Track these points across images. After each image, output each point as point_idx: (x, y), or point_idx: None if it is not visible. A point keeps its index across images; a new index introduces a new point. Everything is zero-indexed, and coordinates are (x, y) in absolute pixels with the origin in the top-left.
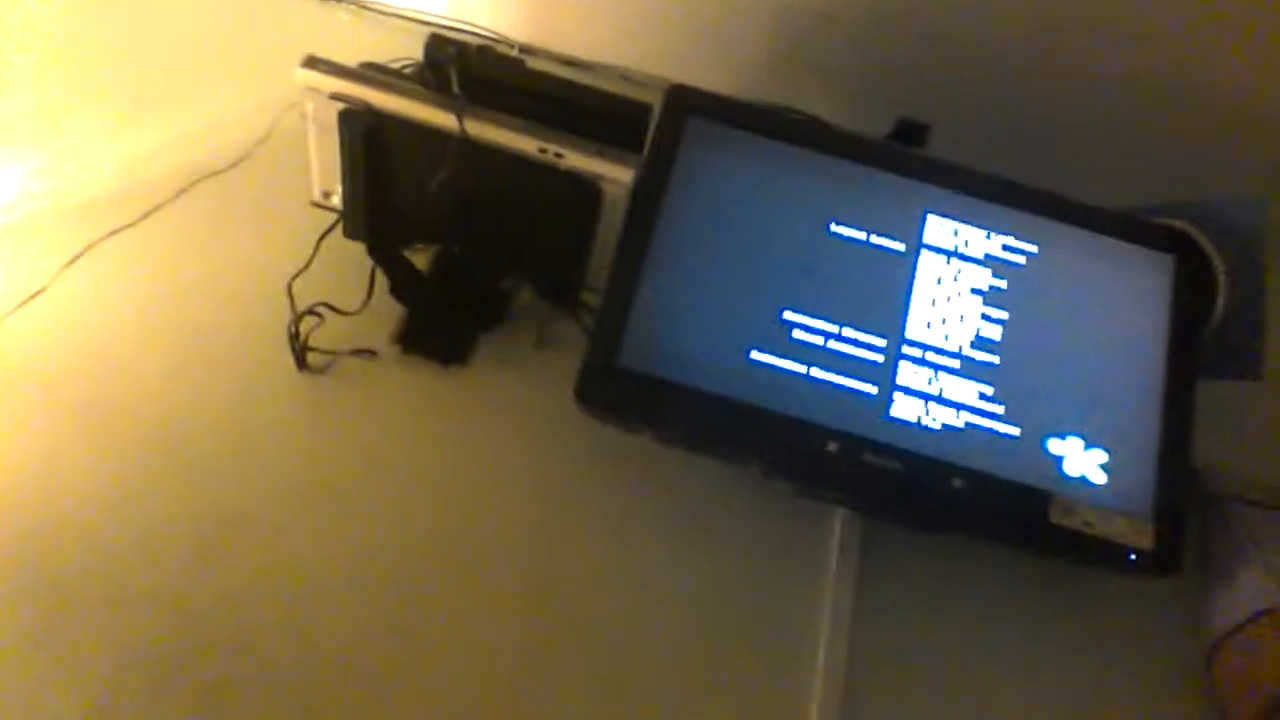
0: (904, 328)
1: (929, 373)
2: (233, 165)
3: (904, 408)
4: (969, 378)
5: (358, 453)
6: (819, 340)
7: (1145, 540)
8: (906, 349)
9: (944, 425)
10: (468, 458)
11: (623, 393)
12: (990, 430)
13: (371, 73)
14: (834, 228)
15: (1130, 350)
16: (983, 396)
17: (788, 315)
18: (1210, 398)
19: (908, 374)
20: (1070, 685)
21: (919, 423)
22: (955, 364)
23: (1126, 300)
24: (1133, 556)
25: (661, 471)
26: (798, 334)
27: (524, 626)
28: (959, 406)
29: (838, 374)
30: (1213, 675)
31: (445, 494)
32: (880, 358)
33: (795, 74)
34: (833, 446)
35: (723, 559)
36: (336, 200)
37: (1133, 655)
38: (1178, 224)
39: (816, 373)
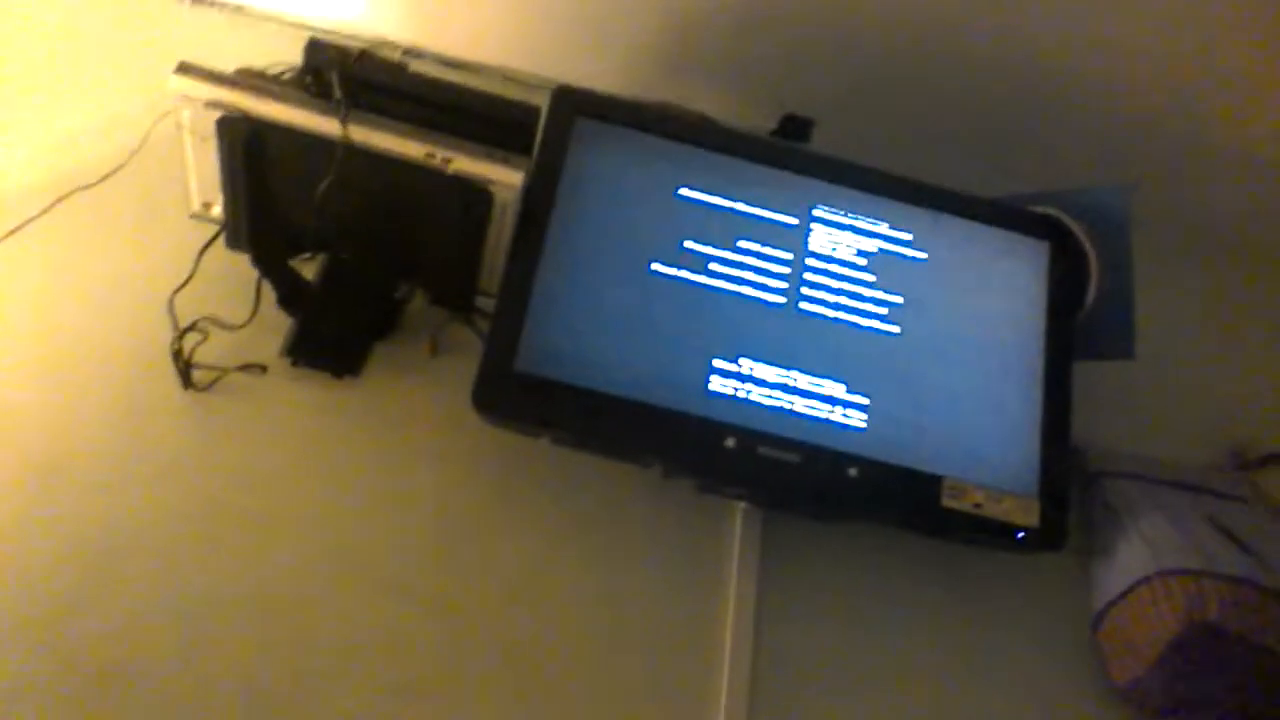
0: (795, 319)
1: (822, 364)
2: (105, 177)
3: (799, 400)
4: (860, 368)
5: (250, 471)
6: (716, 334)
7: (1031, 518)
8: (798, 342)
9: (836, 416)
10: (365, 470)
11: (521, 397)
12: (881, 419)
13: (249, 79)
14: (724, 225)
15: (1010, 335)
16: (873, 386)
17: (682, 314)
18: (1086, 378)
19: (802, 367)
20: (967, 658)
21: (814, 414)
22: (846, 355)
23: (1005, 287)
24: (1020, 534)
25: (562, 474)
26: (691, 330)
27: (429, 638)
28: (850, 393)
29: (733, 371)
30: (1098, 641)
31: (344, 508)
32: (774, 351)
33: (682, 72)
34: (730, 442)
35: (626, 558)
36: (217, 211)
37: (1024, 627)
38: (1051, 212)
39: (714, 367)
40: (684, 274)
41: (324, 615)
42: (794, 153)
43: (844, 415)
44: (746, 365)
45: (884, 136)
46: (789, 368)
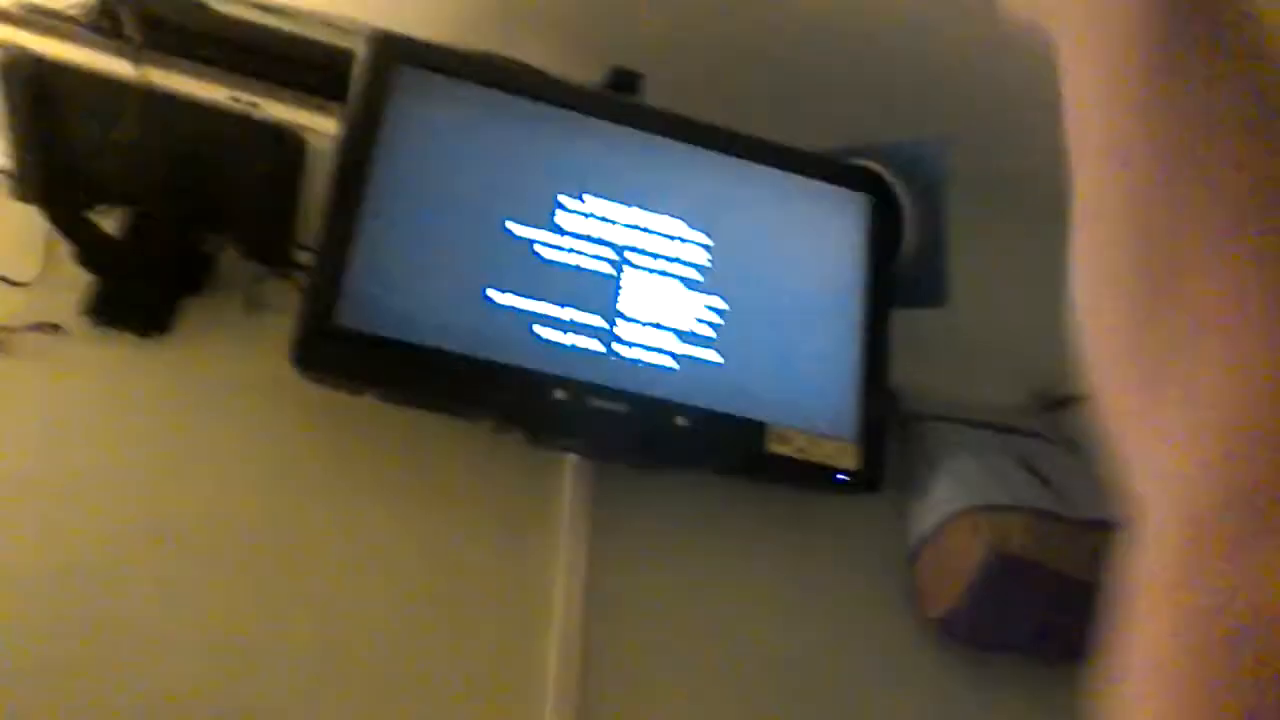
0: (620, 272)
1: (647, 314)
2: None
3: (626, 350)
4: (684, 317)
5: (47, 436)
6: (542, 286)
7: (852, 461)
8: (623, 293)
9: (664, 365)
10: (176, 433)
11: (343, 354)
12: (705, 367)
13: (35, 16)
14: (547, 178)
15: (829, 284)
16: (695, 336)
17: (508, 266)
18: (903, 326)
19: (627, 317)
20: (793, 598)
21: (641, 363)
22: (670, 305)
23: (824, 237)
24: (841, 477)
25: (388, 432)
26: (518, 283)
27: (250, 605)
28: (677, 344)
29: (561, 321)
30: (914, 576)
31: (152, 474)
32: (600, 299)
33: (508, 21)
34: (561, 394)
35: (455, 516)
36: (3, 160)
37: (846, 566)
38: (870, 165)
39: (541, 319)
40: (513, 226)
41: (138, 586)
42: (620, 105)
43: (670, 365)
44: (572, 314)
45: (708, 91)
46: (615, 320)
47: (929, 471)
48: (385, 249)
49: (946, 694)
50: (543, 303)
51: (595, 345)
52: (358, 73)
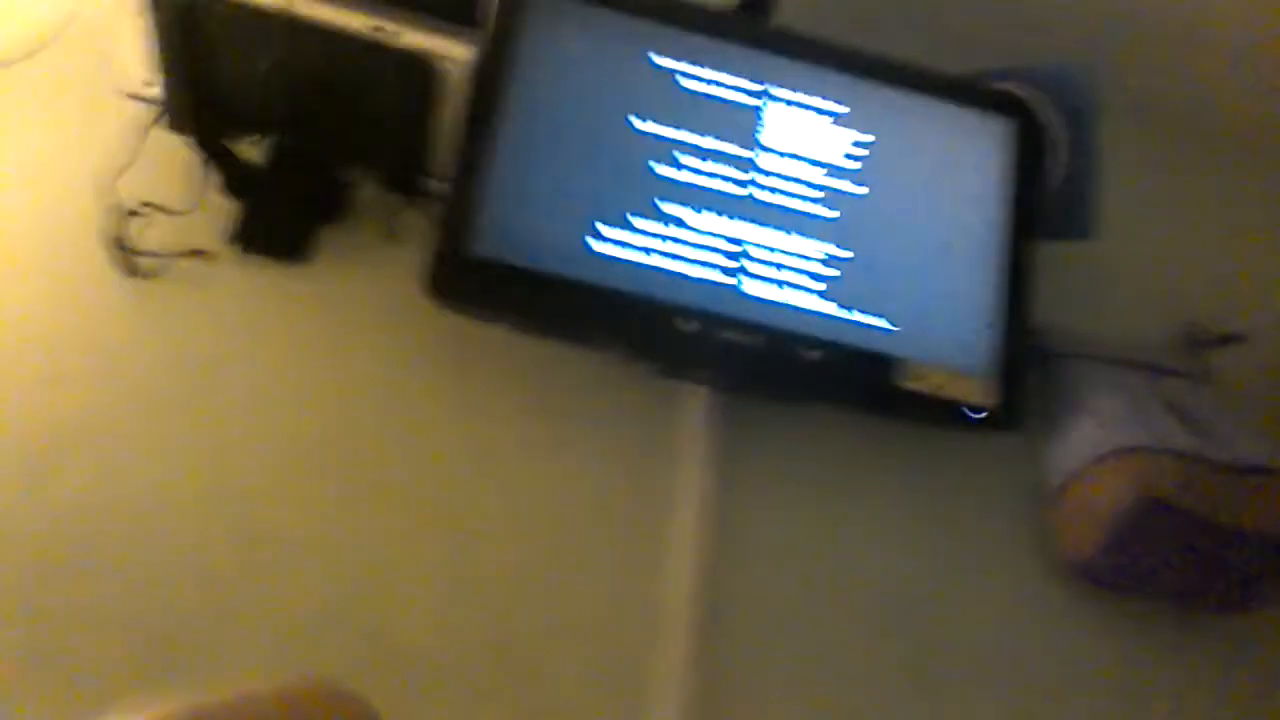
0: (753, 199)
1: (780, 243)
2: (29, 55)
3: (758, 283)
4: (819, 243)
5: (198, 360)
6: (675, 217)
7: (990, 399)
8: (757, 222)
9: (796, 298)
10: (316, 358)
11: (476, 283)
12: (842, 301)
13: None
14: (682, 102)
15: (971, 214)
16: (831, 266)
17: (642, 194)
18: (1044, 258)
19: (760, 248)
20: (925, 539)
21: (773, 297)
22: (804, 234)
23: (967, 165)
24: (978, 415)
25: (521, 361)
26: (652, 213)
27: (380, 527)
28: (810, 276)
29: (693, 251)
30: (1051, 518)
31: (294, 398)
32: (734, 231)
33: None
34: (692, 326)
35: (584, 445)
36: (156, 91)
37: (981, 507)
38: (1014, 89)
39: (672, 250)
40: (648, 160)
41: (274, 506)
42: (755, 28)
43: (804, 298)
44: (703, 241)
45: (840, 11)
46: (744, 252)
47: (1071, 411)
48: (517, 177)
49: (1079, 636)
50: (675, 229)
51: (727, 270)
52: None
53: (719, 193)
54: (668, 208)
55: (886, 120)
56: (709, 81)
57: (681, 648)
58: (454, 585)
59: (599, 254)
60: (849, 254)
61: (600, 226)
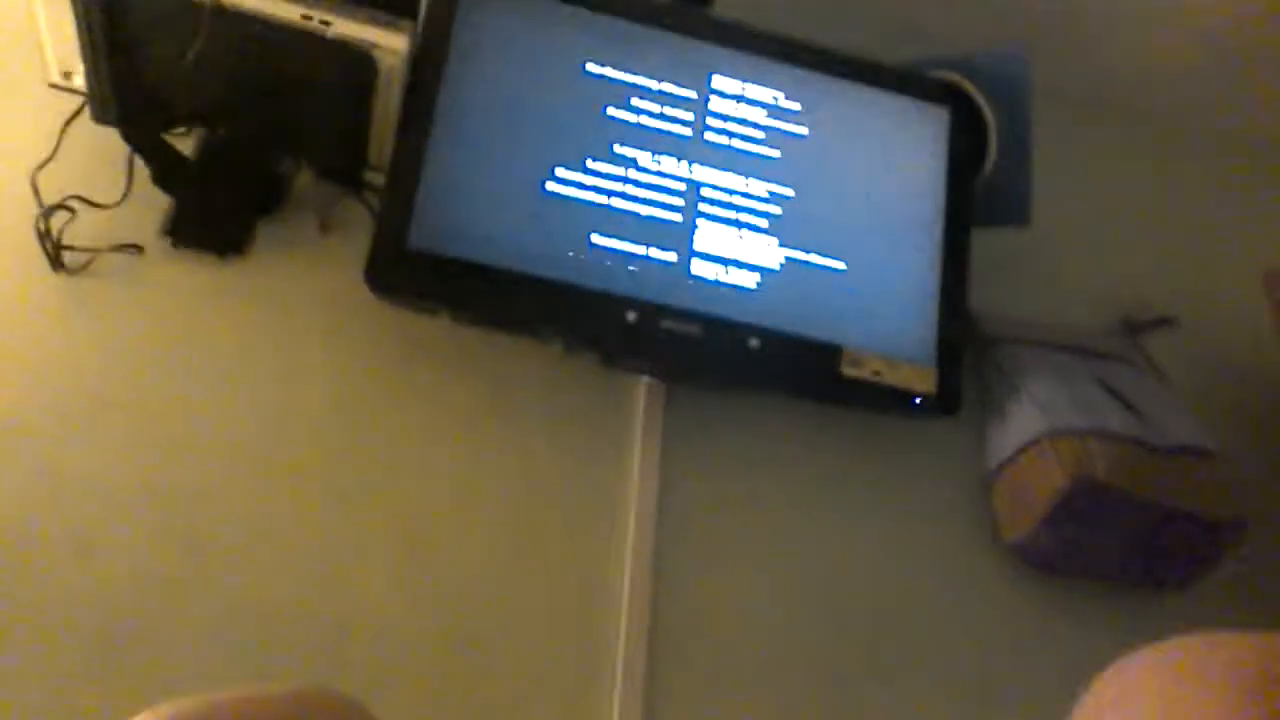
0: (697, 189)
1: (722, 233)
2: None
3: (701, 270)
4: (759, 233)
5: (132, 355)
6: (617, 207)
7: (928, 384)
8: (701, 209)
9: (738, 285)
10: (255, 354)
11: (416, 274)
12: (780, 289)
13: None
14: (621, 91)
15: (908, 203)
16: (771, 255)
17: (582, 182)
18: (981, 245)
19: (703, 235)
20: (865, 522)
21: (716, 283)
22: (746, 222)
23: (904, 152)
24: (917, 400)
25: (460, 352)
26: (592, 201)
27: (326, 521)
28: (750, 266)
29: (635, 242)
30: (991, 500)
31: (234, 394)
32: (677, 217)
33: None
34: (632, 316)
35: (528, 436)
36: (79, 81)
37: (920, 490)
38: (952, 77)
39: (614, 242)
40: (581, 143)
41: (218, 501)
42: (694, 18)
43: (743, 287)
44: (645, 236)
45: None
46: (691, 240)
47: (1008, 395)
48: (456, 168)
49: (1020, 617)
50: (616, 233)
51: (670, 261)
52: None
53: (663, 189)
54: (610, 201)
55: (824, 110)
56: (653, 80)
57: (633, 634)
58: (402, 578)
59: (540, 244)
60: (789, 242)
61: (540, 217)
